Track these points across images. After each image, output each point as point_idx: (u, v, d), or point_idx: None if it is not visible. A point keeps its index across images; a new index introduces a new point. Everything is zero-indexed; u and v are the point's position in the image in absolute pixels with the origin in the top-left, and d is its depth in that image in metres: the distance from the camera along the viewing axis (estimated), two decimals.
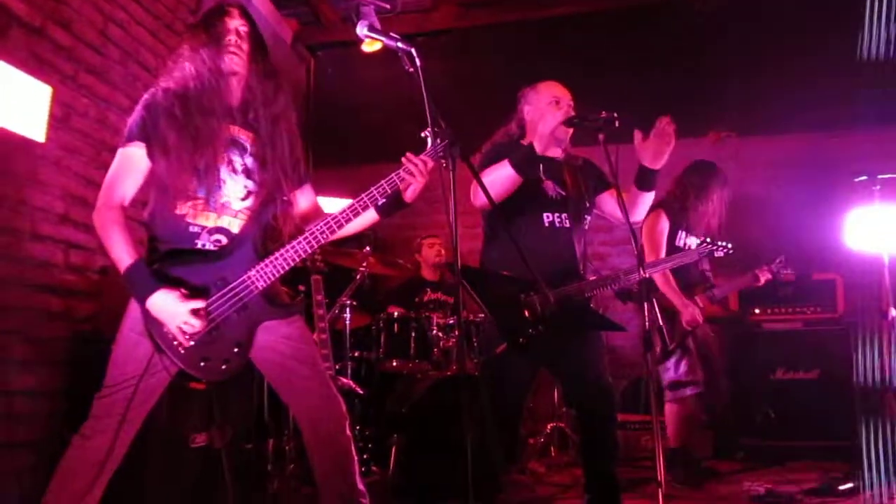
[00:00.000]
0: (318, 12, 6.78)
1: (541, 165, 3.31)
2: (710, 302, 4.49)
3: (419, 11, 6.70)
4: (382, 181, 2.46)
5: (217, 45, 2.44)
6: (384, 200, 2.49)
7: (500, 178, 3.11)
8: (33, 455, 3.51)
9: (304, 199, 2.68)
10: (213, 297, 2.33)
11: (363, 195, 2.45)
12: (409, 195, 2.52)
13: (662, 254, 4.34)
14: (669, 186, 4.64)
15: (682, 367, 4.34)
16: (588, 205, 3.39)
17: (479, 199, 3.09)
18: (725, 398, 4.49)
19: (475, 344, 4.58)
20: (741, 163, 6.48)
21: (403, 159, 2.45)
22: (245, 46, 2.49)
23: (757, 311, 5.49)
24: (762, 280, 4.59)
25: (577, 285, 3.17)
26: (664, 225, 4.43)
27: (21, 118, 3.49)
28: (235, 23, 2.50)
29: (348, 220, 2.44)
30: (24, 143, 3.54)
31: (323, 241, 2.43)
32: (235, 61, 2.46)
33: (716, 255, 3.87)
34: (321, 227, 2.42)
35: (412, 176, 2.44)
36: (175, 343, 2.27)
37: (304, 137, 6.92)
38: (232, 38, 2.46)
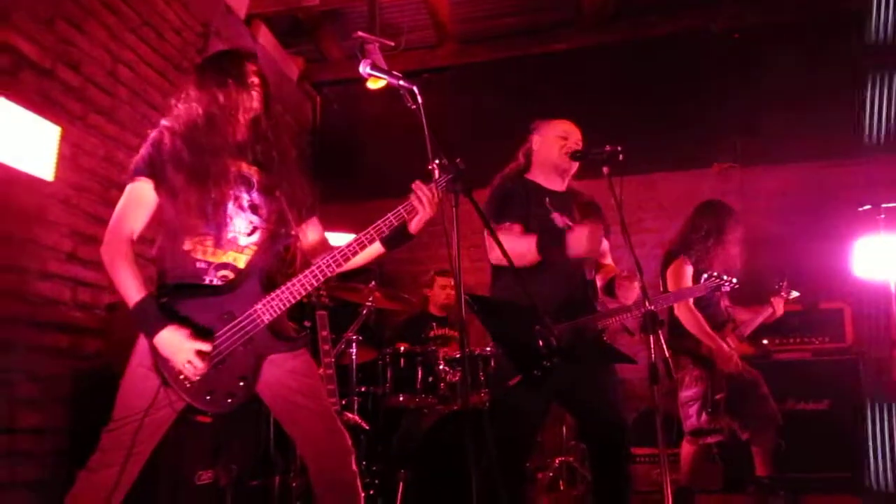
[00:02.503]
0: (323, 50, 6.89)
1: (547, 198, 3.34)
2: (740, 341, 4.49)
3: (423, 48, 6.80)
4: (389, 214, 2.47)
5: (242, 84, 2.52)
6: (389, 233, 2.50)
7: (520, 250, 3.11)
8: (38, 494, 3.49)
9: (311, 232, 2.70)
10: (220, 332, 2.34)
11: (370, 228, 2.46)
12: (414, 226, 2.53)
13: (690, 300, 4.34)
14: (683, 229, 4.64)
15: (704, 415, 4.32)
16: None
17: (494, 255, 3.12)
18: (778, 420, 4.44)
19: (482, 378, 4.56)
20: (745, 194, 6.48)
21: (413, 186, 2.47)
22: (260, 87, 2.58)
23: (765, 341, 5.46)
24: (780, 310, 4.59)
25: (590, 317, 3.17)
26: (688, 270, 4.43)
27: (30, 158, 3.53)
28: (253, 67, 2.59)
29: (354, 254, 2.45)
30: (33, 182, 3.58)
31: (329, 275, 2.44)
32: (256, 100, 2.55)
33: (723, 289, 3.87)
34: (327, 260, 2.43)
35: (421, 204, 2.46)
36: (181, 377, 2.28)
37: (310, 173, 6.97)
38: (254, 79, 2.56)
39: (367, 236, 2.46)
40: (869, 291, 5.34)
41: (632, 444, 4.47)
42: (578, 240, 3.08)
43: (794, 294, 4.68)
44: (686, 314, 4.35)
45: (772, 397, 4.45)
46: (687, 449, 4.44)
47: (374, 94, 5.99)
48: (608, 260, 3.53)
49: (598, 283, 3.35)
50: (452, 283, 5.66)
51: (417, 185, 2.46)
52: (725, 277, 3.80)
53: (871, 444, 4.96)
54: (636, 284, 3.07)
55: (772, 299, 4.60)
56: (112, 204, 2.44)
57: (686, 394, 4.39)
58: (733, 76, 6.18)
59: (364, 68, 2.54)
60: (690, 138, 6.38)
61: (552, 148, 3.39)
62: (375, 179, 6.40)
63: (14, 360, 3.49)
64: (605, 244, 3.50)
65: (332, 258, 2.43)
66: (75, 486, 2.32)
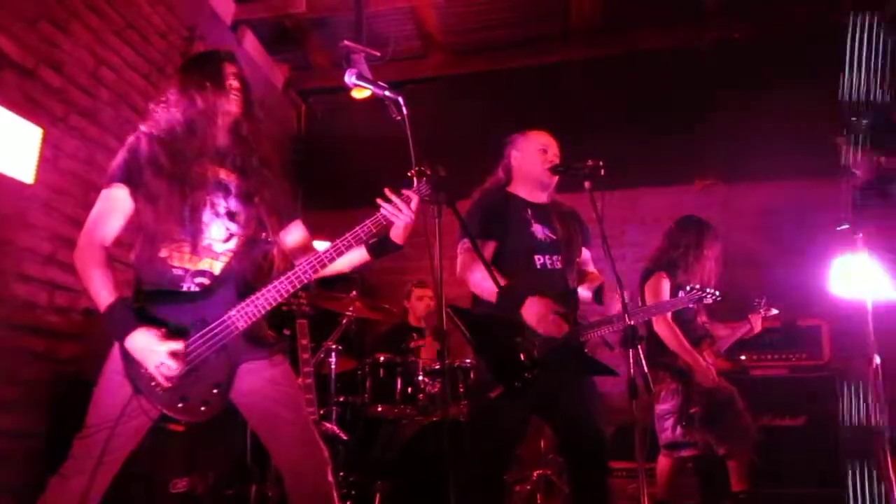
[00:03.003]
0: (309, 58, 6.88)
1: (528, 210, 3.35)
2: (717, 356, 4.52)
3: (410, 58, 6.81)
4: (367, 220, 2.46)
5: (219, 87, 2.49)
6: (374, 241, 2.49)
7: (482, 286, 3.15)
8: (14, 497, 3.45)
9: (293, 236, 2.69)
10: (193, 338, 2.32)
11: (347, 234, 2.45)
12: (397, 236, 2.52)
13: (668, 315, 4.36)
14: (662, 244, 4.67)
15: (679, 428, 4.34)
16: (578, 249, 3.41)
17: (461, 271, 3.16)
18: (755, 436, 4.47)
19: (461, 390, 4.55)
20: (727, 210, 6.52)
21: (379, 201, 2.46)
22: (240, 91, 2.55)
23: (743, 357, 5.49)
24: (758, 326, 4.63)
25: (571, 330, 3.17)
26: (666, 286, 4.46)
27: (11, 159, 3.50)
28: (232, 69, 2.56)
29: (331, 260, 2.44)
30: (13, 185, 3.55)
31: (306, 281, 2.42)
32: (235, 103, 2.53)
33: (705, 301, 3.90)
34: (304, 266, 2.42)
35: (395, 213, 2.45)
36: (153, 384, 2.26)
37: (295, 180, 6.97)
38: (232, 82, 2.53)
39: (345, 243, 2.45)
40: (847, 309, 5.38)
41: (610, 458, 4.48)
42: (536, 313, 3.07)
43: (773, 312, 4.73)
44: (664, 329, 4.38)
45: (749, 412, 4.48)
46: (663, 462, 4.46)
47: (360, 102, 6.00)
48: (591, 268, 3.53)
49: (586, 292, 3.35)
50: (430, 294, 5.67)
51: (387, 192, 2.45)
52: (708, 290, 3.82)
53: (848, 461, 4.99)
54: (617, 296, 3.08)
55: (749, 316, 4.65)
56: (92, 208, 2.43)
57: (662, 407, 4.42)
58: (718, 92, 6.22)
59: (349, 78, 2.54)
60: (674, 154, 6.42)
61: (533, 162, 3.40)
62: (360, 187, 6.31)
63: None
64: (587, 254, 3.51)
65: (308, 264, 2.42)
66: (46, 492, 2.30)
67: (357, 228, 2.45)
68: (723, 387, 4.45)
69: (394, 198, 2.44)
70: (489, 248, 3.24)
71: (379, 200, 2.45)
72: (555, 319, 3.05)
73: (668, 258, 4.56)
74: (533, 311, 3.03)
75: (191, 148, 2.43)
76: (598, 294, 3.29)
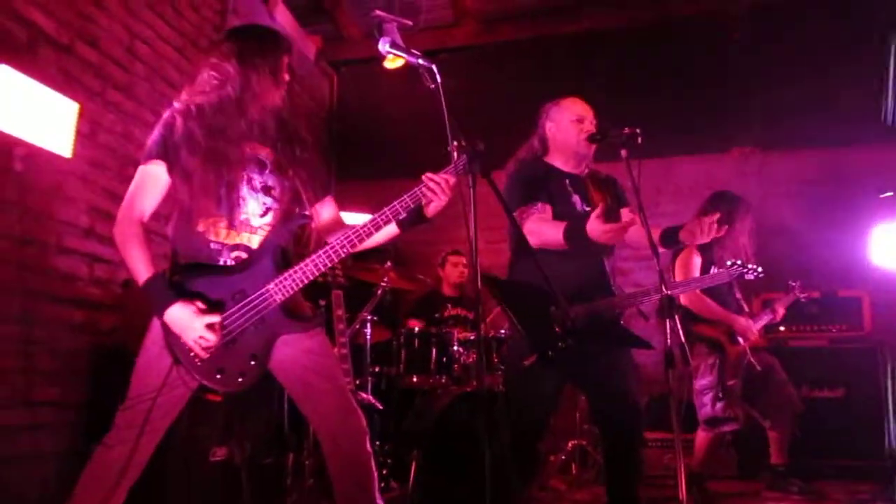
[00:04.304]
0: (341, 29, 6.85)
1: (567, 180, 3.31)
2: None
3: (441, 27, 6.75)
4: (405, 195, 2.45)
5: (276, 79, 2.50)
6: (405, 215, 2.48)
7: (547, 237, 3.10)
8: (57, 465, 3.54)
9: (325, 211, 2.69)
10: (231, 310, 2.34)
11: (385, 209, 2.45)
12: (430, 211, 2.52)
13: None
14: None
15: (719, 404, 4.31)
16: (616, 218, 3.36)
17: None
18: (799, 407, 4.43)
19: (496, 360, 4.56)
20: (764, 179, 6.43)
21: (424, 177, 2.45)
22: (289, 83, 2.57)
23: (782, 328, 5.43)
24: (780, 314, 4.58)
25: (608, 300, 3.15)
26: (697, 262, 4.40)
27: (49, 134, 3.54)
28: (287, 60, 2.57)
29: (369, 235, 2.44)
30: (51, 159, 3.60)
31: (343, 255, 2.43)
32: (282, 96, 2.54)
33: (746, 277, 3.83)
34: (341, 240, 2.42)
35: (434, 193, 2.44)
36: (192, 355, 2.29)
37: (327, 152, 6.99)
38: (286, 75, 2.55)
39: (383, 217, 2.44)
40: (888, 279, 5.29)
41: (645, 429, 4.47)
42: (595, 227, 3.02)
43: (807, 294, 4.63)
44: (693, 300, 4.35)
45: (791, 384, 4.43)
46: (702, 437, 4.43)
47: (392, 73, 5.97)
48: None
49: (656, 234, 3.19)
50: (465, 261, 5.68)
51: (427, 177, 2.44)
52: (749, 266, 3.75)
53: (888, 430, 4.93)
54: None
55: (776, 304, 4.57)
56: (129, 181, 2.45)
57: (701, 382, 4.38)
58: (754, 59, 6.09)
59: (383, 46, 2.52)
60: (709, 122, 6.32)
61: (569, 133, 3.34)
62: (393, 158, 6.40)
63: (33, 333, 3.52)
64: (627, 215, 3.42)
65: (346, 238, 2.42)
66: (91, 461, 2.34)
67: (395, 203, 2.44)
68: (763, 358, 4.40)
69: (435, 177, 2.43)
70: (548, 212, 3.21)
71: (425, 176, 2.43)
72: (611, 227, 2.99)
73: None
74: (594, 228, 2.99)
75: (229, 125, 2.43)
76: (666, 236, 3.18)
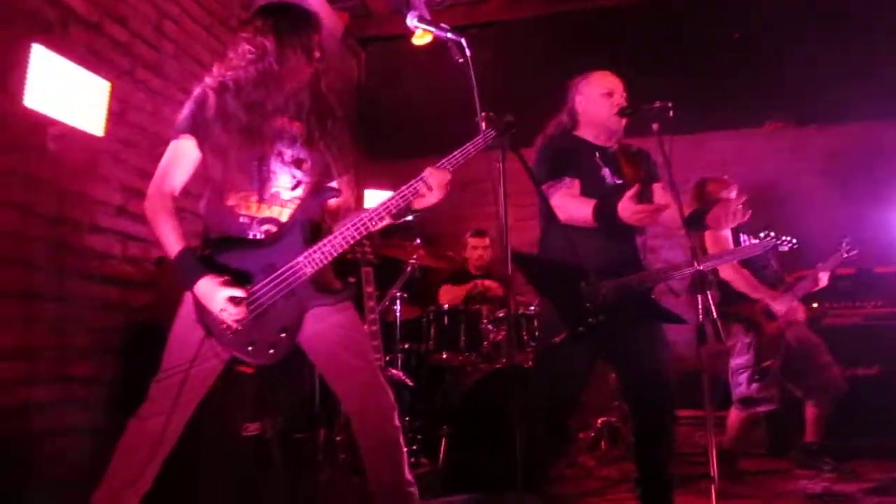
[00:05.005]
0: (368, 5, 6.82)
1: (597, 153, 3.28)
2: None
3: (468, 3, 6.70)
4: (404, 187, 2.44)
5: (308, 56, 2.52)
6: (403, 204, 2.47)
7: (578, 214, 3.08)
8: (92, 439, 3.60)
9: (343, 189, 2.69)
10: (260, 283, 2.36)
11: (413, 182, 2.44)
12: (418, 204, 2.50)
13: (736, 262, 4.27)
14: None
15: (755, 384, 4.27)
16: (648, 192, 3.32)
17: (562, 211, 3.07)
18: (843, 387, 4.38)
19: (525, 338, 4.55)
20: (798, 153, 6.33)
21: (425, 173, 2.43)
22: (320, 60, 2.58)
23: (815, 305, 5.35)
24: (822, 282, 4.47)
25: (638, 275, 3.12)
26: (727, 233, 4.35)
27: (81, 113, 3.58)
28: (318, 38, 2.57)
29: (398, 207, 2.44)
30: (84, 138, 3.63)
31: (371, 229, 2.43)
32: (313, 73, 2.55)
33: (781, 248, 3.77)
34: (370, 214, 2.42)
35: (430, 190, 2.43)
36: (223, 327, 2.32)
37: (355, 130, 6.96)
38: (317, 53, 2.55)
39: (410, 190, 2.44)
40: None
41: (676, 406, 4.45)
42: (626, 209, 3.00)
43: (854, 253, 4.52)
44: (731, 274, 4.29)
45: (836, 364, 4.36)
46: (735, 415, 4.40)
47: (419, 50, 5.93)
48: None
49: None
50: (485, 243, 5.66)
51: (429, 173, 2.43)
52: (784, 238, 3.69)
53: None
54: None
55: (819, 272, 4.47)
56: (159, 159, 2.47)
57: (737, 361, 4.35)
58: (787, 32, 5.97)
59: (411, 20, 2.51)
60: (742, 96, 6.22)
61: (599, 107, 3.29)
62: (421, 136, 6.37)
63: (68, 310, 3.57)
64: (658, 187, 3.40)
65: (374, 212, 2.42)
66: (126, 433, 2.38)
67: (423, 175, 2.44)
68: (805, 337, 4.34)
69: (434, 176, 2.42)
70: (576, 187, 3.19)
71: (425, 174, 2.43)
72: (643, 208, 2.97)
73: None
74: (626, 208, 2.96)
75: (262, 100, 2.44)
76: (694, 217, 3.09)
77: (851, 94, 5.79)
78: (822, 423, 4.37)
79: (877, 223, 5.46)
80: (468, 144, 2.46)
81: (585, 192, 3.19)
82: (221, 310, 2.27)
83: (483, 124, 2.40)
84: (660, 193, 3.34)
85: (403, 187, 2.44)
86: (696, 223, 3.09)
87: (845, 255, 4.48)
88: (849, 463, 4.41)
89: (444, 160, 2.44)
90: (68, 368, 3.57)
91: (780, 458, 4.92)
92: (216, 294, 2.27)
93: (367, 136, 7.09)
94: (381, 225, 2.47)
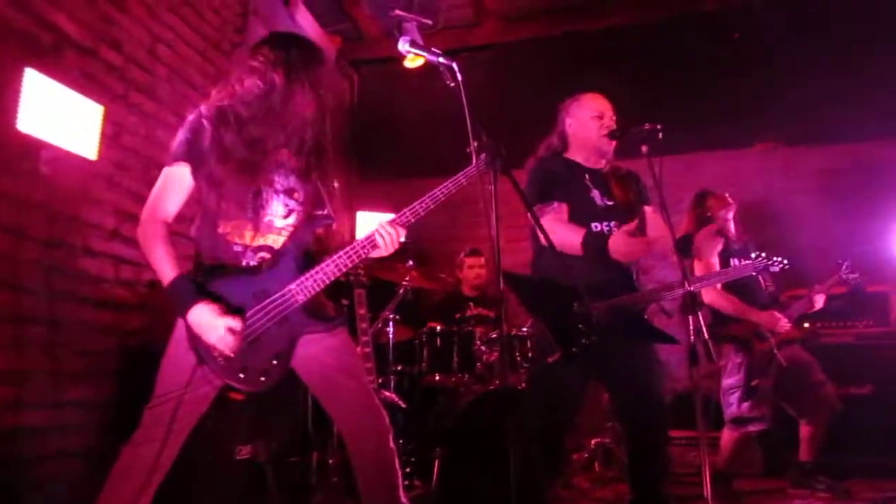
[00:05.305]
0: (360, 29, 6.87)
1: (587, 175, 3.31)
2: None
3: (462, 26, 6.76)
4: (363, 238, 2.48)
5: (315, 92, 2.52)
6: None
7: (566, 240, 3.11)
8: (85, 464, 3.58)
9: None
10: (253, 310, 2.36)
11: (416, 203, 2.48)
12: (373, 254, 2.51)
13: (718, 285, 4.29)
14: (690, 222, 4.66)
15: (746, 403, 4.27)
16: (638, 213, 3.34)
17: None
18: (837, 406, 4.36)
19: (518, 359, 4.55)
20: (789, 173, 6.37)
21: (379, 225, 2.47)
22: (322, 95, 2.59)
23: (807, 325, 5.37)
24: (818, 304, 4.47)
25: (631, 296, 3.14)
26: (714, 259, 4.39)
27: (74, 136, 3.58)
28: (322, 73, 2.58)
29: (360, 258, 2.47)
30: (77, 161, 3.64)
31: (364, 256, 2.45)
32: (316, 108, 2.54)
33: (771, 269, 3.79)
34: (363, 242, 2.44)
35: (383, 241, 2.46)
36: (215, 354, 2.31)
37: (348, 152, 6.99)
38: (322, 90, 2.55)
39: (413, 212, 2.49)
40: None
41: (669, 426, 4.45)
42: (619, 244, 3.03)
43: (855, 277, 4.49)
44: (715, 297, 4.32)
45: (829, 382, 4.36)
46: (728, 435, 4.40)
47: (412, 72, 5.98)
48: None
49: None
50: (481, 262, 5.66)
51: (382, 226, 2.46)
52: (775, 259, 3.72)
53: None
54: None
55: (812, 294, 4.47)
56: (153, 183, 2.47)
57: (728, 381, 4.36)
58: (777, 53, 6.04)
59: (404, 45, 2.53)
60: (732, 117, 6.26)
61: (589, 129, 3.36)
62: (414, 158, 6.41)
63: (61, 334, 3.56)
64: (648, 210, 3.42)
65: (367, 240, 2.45)
66: (119, 460, 2.37)
67: (430, 194, 2.49)
68: (798, 356, 4.35)
69: (386, 229, 2.45)
70: (564, 211, 3.21)
71: (380, 225, 2.47)
72: (636, 241, 3.01)
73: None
74: (618, 243, 2.99)
75: (272, 137, 2.45)
76: (681, 244, 3.15)
77: (842, 114, 5.84)
78: (816, 442, 4.36)
79: (868, 243, 5.49)
80: (459, 175, 2.49)
81: (576, 215, 3.21)
82: (218, 339, 2.27)
83: (475, 155, 2.41)
84: (650, 216, 3.36)
85: (356, 242, 2.46)
86: (684, 249, 3.13)
87: (846, 279, 4.46)
88: (843, 482, 4.40)
89: (406, 209, 2.49)
90: (60, 392, 3.56)
91: (774, 478, 4.92)
92: (214, 323, 2.27)
93: (359, 157, 7.13)
94: (374, 252, 2.48)
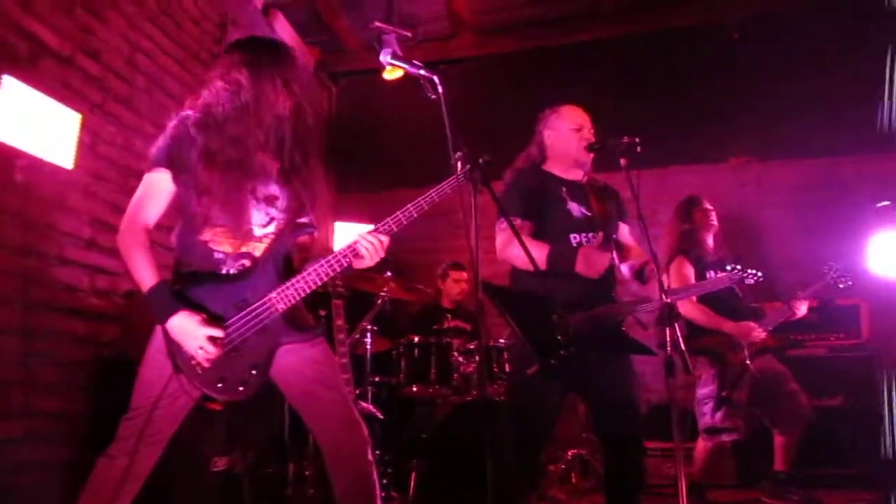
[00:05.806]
0: (340, 41, 6.88)
1: (564, 188, 3.33)
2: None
3: (439, 39, 6.79)
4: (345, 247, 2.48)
5: (290, 92, 2.52)
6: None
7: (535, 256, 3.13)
8: (60, 476, 3.54)
9: None
10: (233, 319, 2.35)
11: (399, 213, 2.48)
12: (357, 264, 2.51)
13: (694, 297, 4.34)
14: (668, 233, 4.70)
15: (719, 413, 4.31)
16: (615, 225, 3.38)
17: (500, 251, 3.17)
18: (810, 416, 4.39)
19: (495, 370, 4.56)
20: (763, 188, 6.45)
21: (359, 236, 2.46)
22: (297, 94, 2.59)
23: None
24: (801, 311, 4.48)
25: (608, 308, 3.16)
26: (689, 270, 4.45)
27: (51, 145, 3.56)
28: (296, 73, 2.58)
29: (342, 267, 2.46)
30: (53, 170, 3.61)
31: (346, 265, 2.45)
32: (292, 107, 2.54)
33: (746, 281, 3.83)
34: (345, 251, 2.44)
35: (367, 252, 2.46)
36: (193, 363, 2.30)
37: (326, 164, 6.99)
38: (297, 89, 2.55)
39: (396, 222, 2.48)
40: (885, 288, 5.30)
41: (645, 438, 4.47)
42: (587, 259, 3.07)
43: (845, 279, 4.43)
44: (689, 309, 4.37)
45: (803, 392, 4.40)
46: (702, 446, 4.45)
47: (390, 84, 6.01)
48: (630, 242, 3.48)
49: (626, 270, 3.30)
50: (466, 277, 5.67)
51: (363, 236, 2.46)
52: (749, 271, 3.77)
53: (886, 439, 4.93)
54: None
55: (793, 302, 4.49)
56: (130, 193, 2.46)
57: (702, 392, 4.41)
58: (751, 69, 6.13)
59: (384, 57, 2.55)
60: (707, 132, 6.34)
61: (568, 141, 3.37)
62: (392, 170, 6.43)
63: (35, 344, 3.52)
64: (625, 228, 3.47)
65: (349, 249, 2.45)
66: (94, 471, 2.35)
67: (410, 205, 2.48)
68: (771, 367, 4.40)
69: (367, 240, 2.46)
70: (526, 229, 3.23)
71: (360, 236, 2.47)
72: (599, 256, 3.08)
73: (678, 245, 4.57)
74: (586, 257, 3.03)
75: (239, 136, 2.43)
76: (640, 273, 3.22)
77: (815, 129, 5.94)
78: (790, 451, 4.41)
79: (840, 256, 5.57)
80: (444, 184, 2.50)
81: (553, 226, 3.23)
82: (199, 348, 2.26)
83: (458, 165, 2.42)
84: (625, 235, 3.42)
85: (339, 252, 2.46)
86: (641, 278, 3.18)
87: (836, 284, 4.43)
88: (815, 492, 4.45)
89: (389, 219, 2.48)
90: (34, 403, 3.51)
91: (749, 489, 4.96)
92: (193, 332, 2.26)
93: (338, 169, 7.13)
94: (358, 263, 2.48)
